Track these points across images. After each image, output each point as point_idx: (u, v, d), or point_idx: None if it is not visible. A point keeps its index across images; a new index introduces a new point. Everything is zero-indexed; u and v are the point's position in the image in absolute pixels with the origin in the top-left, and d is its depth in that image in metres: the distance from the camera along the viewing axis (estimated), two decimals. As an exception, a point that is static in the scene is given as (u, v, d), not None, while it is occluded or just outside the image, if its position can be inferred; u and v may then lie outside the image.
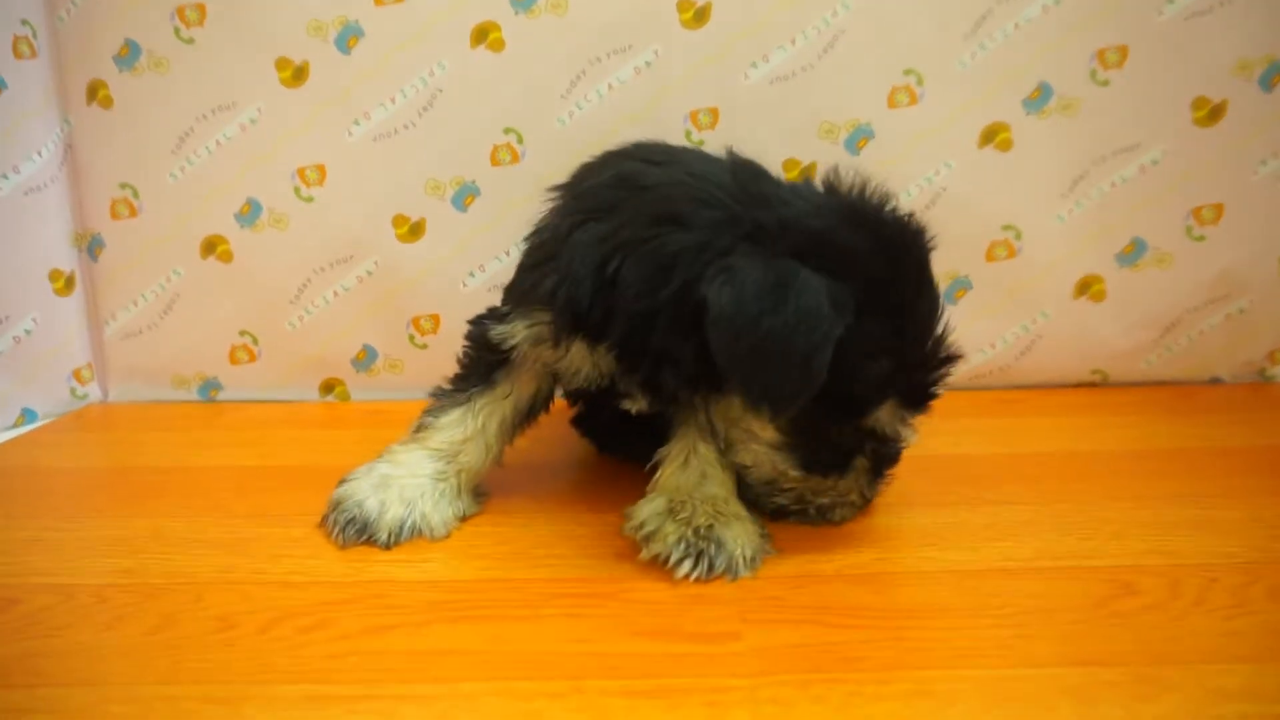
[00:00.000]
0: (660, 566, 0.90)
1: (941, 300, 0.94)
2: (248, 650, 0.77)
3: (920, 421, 0.98)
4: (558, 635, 0.79)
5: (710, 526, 0.90)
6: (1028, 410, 1.52)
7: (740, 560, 0.89)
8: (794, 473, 0.97)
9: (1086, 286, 1.59)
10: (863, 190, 0.93)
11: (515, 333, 1.03)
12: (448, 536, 1.00)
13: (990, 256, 1.58)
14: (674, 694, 0.70)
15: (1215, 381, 1.63)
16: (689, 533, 0.90)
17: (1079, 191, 1.55)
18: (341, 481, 1.04)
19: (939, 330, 0.93)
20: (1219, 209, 1.54)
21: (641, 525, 0.93)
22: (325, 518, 1.01)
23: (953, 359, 0.94)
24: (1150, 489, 1.12)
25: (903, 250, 0.91)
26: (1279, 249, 1.55)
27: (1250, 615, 0.80)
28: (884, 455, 0.99)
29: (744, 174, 0.97)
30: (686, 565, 0.88)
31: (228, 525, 1.05)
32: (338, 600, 0.86)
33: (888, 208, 0.93)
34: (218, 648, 0.78)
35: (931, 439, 1.31)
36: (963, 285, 1.59)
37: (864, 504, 1.02)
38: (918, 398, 0.95)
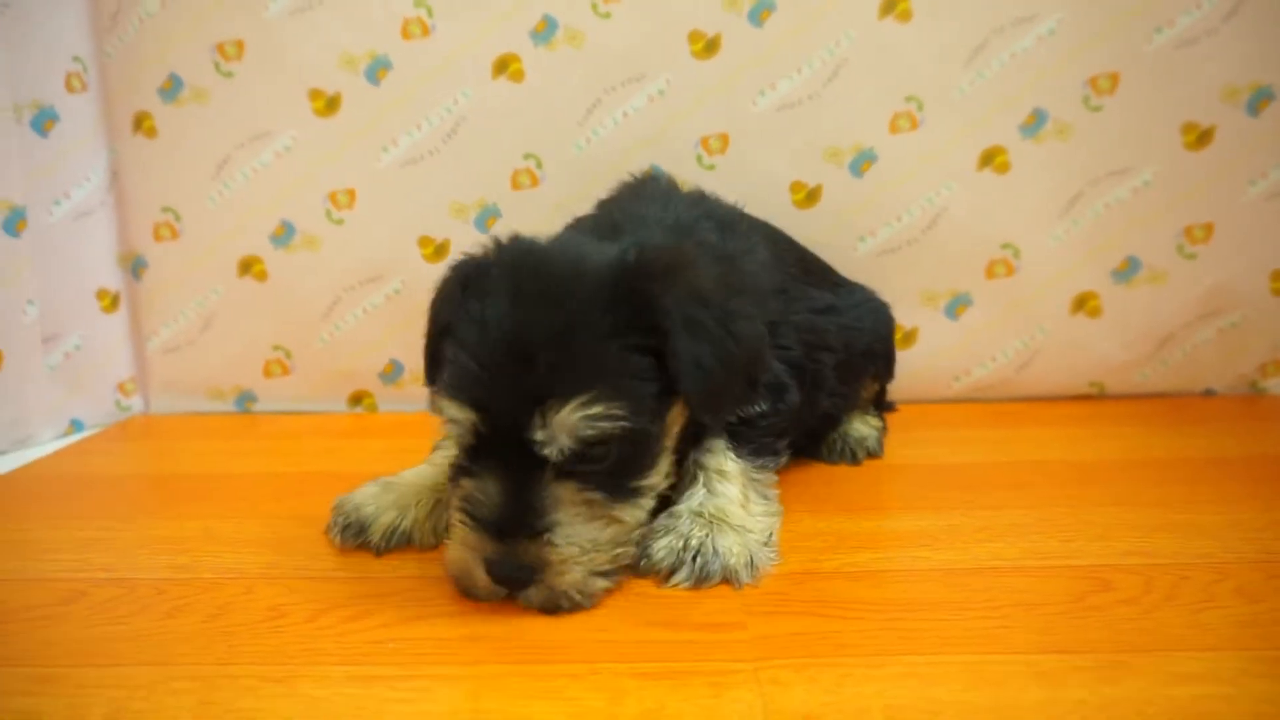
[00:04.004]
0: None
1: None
2: (297, 636, 0.85)
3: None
4: (576, 625, 0.87)
5: (704, 538, 0.96)
6: (1026, 421, 1.58)
7: (738, 568, 0.94)
8: None
9: (1083, 302, 1.65)
10: None
11: None
12: (436, 546, 1.05)
13: (990, 274, 1.65)
14: (681, 675, 0.77)
15: (1209, 394, 1.69)
16: (679, 545, 0.95)
17: (1074, 212, 1.62)
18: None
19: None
20: (1209, 228, 1.60)
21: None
22: (329, 524, 1.07)
23: None
24: (1137, 495, 1.19)
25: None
26: (1268, 266, 1.62)
27: (1217, 609, 0.87)
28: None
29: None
30: (681, 573, 0.93)
31: (271, 526, 1.13)
32: (377, 594, 0.94)
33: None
34: (270, 634, 0.86)
35: (931, 448, 1.41)
36: (964, 301, 1.66)
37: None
38: None
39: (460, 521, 0.88)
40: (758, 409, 1.05)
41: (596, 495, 0.88)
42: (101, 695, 0.75)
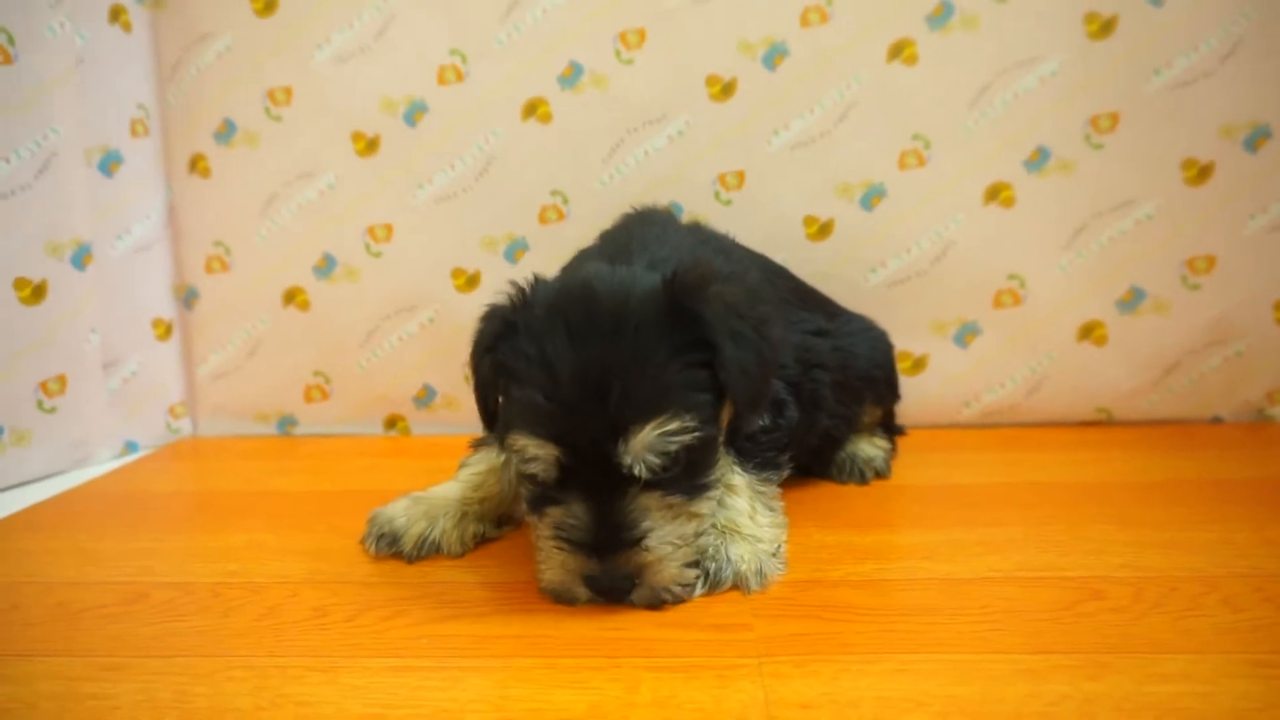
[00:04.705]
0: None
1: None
2: (340, 634, 0.93)
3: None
4: (597, 625, 0.94)
5: (718, 546, 1.03)
6: (1033, 446, 1.63)
7: (749, 574, 1.01)
8: None
9: (1089, 331, 1.70)
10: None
11: None
12: (462, 555, 1.14)
13: (997, 303, 1.71)
14: (691, 669, 0.84)
15: (1216, 420, 1.73)
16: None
17: (1079, 244, 1.68)
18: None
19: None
20: (1211, 260, 1.65)
21: None
22: (365, 535, 1.15)
23: None
24: (1135, 514, 1.23)
25: None
26: (1271, 296, 1.66)
27: (1202, 617, 0.92)
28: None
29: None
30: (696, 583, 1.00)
31: (312, 538, 1.22)
32: (411, 596, 1.01)
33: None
34: (315, 631, 0.94)
35: (937, 469, 1.47)
36: (972, 330, 1.72)
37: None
38: None
39: (556, 547, 0.95)
40: (760, 424, 1.12)
41: (676, 498, 0.97)
42: (168, 682, 0.84)
